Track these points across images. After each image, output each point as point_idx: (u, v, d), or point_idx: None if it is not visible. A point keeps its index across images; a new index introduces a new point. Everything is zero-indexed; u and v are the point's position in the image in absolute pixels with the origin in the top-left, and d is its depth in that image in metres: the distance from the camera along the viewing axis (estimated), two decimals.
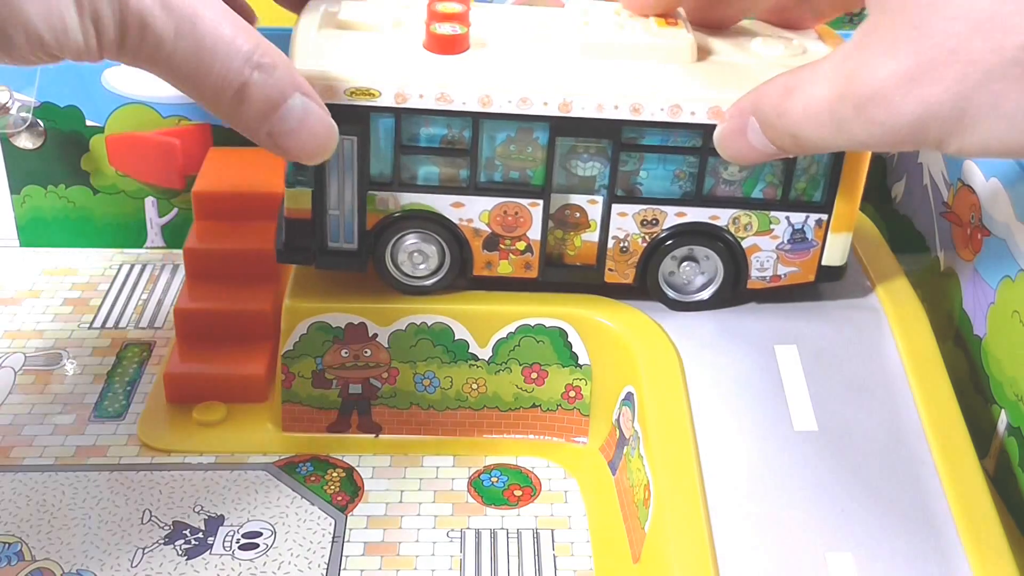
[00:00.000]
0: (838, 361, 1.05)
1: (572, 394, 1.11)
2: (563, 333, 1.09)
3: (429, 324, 1.08)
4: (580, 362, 1.10)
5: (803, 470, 0.95)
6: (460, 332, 1.09)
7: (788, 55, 1.04)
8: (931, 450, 0.97)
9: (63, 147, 1.35)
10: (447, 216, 1.04)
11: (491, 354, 1.10)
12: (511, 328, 1.09)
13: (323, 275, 1.10)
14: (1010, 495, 1.07)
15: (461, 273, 1.07)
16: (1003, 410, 1.08)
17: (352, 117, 0.99)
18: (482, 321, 1.09)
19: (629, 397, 1.05)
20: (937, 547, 0.90)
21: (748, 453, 0.96)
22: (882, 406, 1.01)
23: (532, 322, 1.09)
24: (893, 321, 1.08)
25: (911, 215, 1.31)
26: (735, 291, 1.08)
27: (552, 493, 1.08)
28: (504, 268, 1.07)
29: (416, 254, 1.06)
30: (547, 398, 1.11)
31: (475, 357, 1.10)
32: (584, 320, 1.08)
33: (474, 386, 1.11)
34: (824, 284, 1.09)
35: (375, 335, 1.09)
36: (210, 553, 1.00)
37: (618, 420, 1.07)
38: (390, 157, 1.02)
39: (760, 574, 0.88)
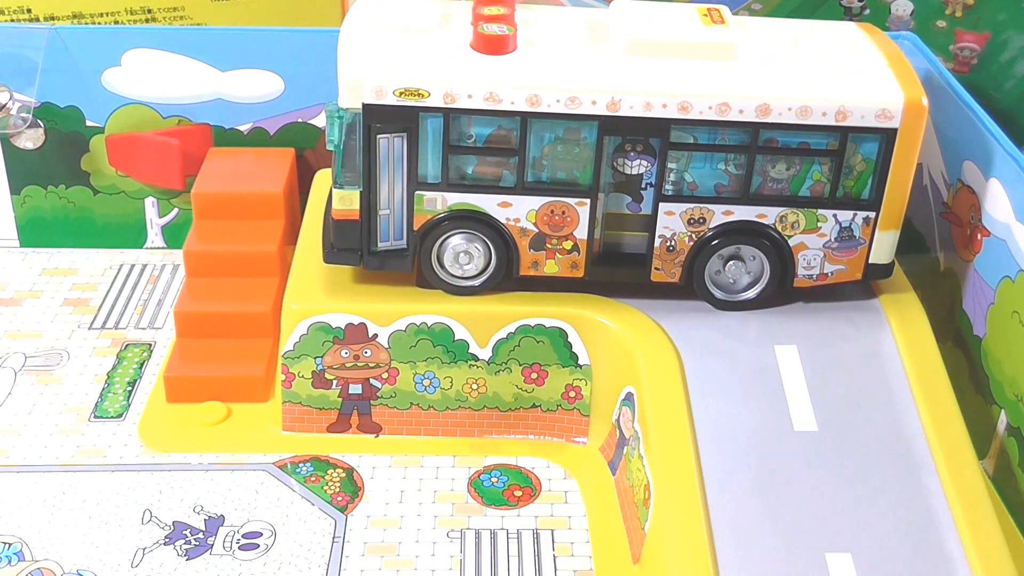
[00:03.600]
0: (838, 361, 1.05)
1: (572, 394, 1.11)
2: (563, 333, 1.09)
3: (429, 324, 1.08)
4: (580, 362, 1.10)
5: (803, 470, 0.95)
6: (460, 332, 1.09)
7: (833, 51, 1.04)
8: (931, 450, 0.97)
9: (63, 147, 1.35)
10: (494, 216, 1.05)
11: (491, 354, 1.10)
12: (511, 328, 1.09)
13: (323, 275, 1.11)
14: (1010, 495, 1.07)
15: (507, 273, 1.07)
16: (1003, 410, 1.08)
17: (401, 117, 1.00)
18: (482, 321, 1.09)
19: (629, 397, 1.05)
20: (937, 547, 0.90)
21: (748, 453, 0.96)
22: (882, 406, 1.01)
23: (532, 322, 1.09)
24: (893, 321, 1.08)
25: (911, 215, 1.31)
26: (782, 290, 1.08)
27: (552, 493, 1.08)
28: (551, 268, 1.07)
29: (462, 255, 1.06)
30: (547, 398, 1.11)
31: (475, 357, 1.10)
32: (584, 320, 1.08)
33: (474, 386, 1.11)
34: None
35: (375, 335, 1.09)
36: (210, 553, 1.00)
37: (618, 420, 1.07)
38: (439, 157, 1.02)
39: (760, 574, 0.88)
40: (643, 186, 1.05)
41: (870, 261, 1.08)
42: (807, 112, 1.00)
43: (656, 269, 1.08)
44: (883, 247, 1.07)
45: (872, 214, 1.05)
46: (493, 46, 1.02)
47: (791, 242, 1.06)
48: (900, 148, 1.03)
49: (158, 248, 1.41)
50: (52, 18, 1.39)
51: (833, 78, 1.03)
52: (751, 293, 1.09)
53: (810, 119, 1.01)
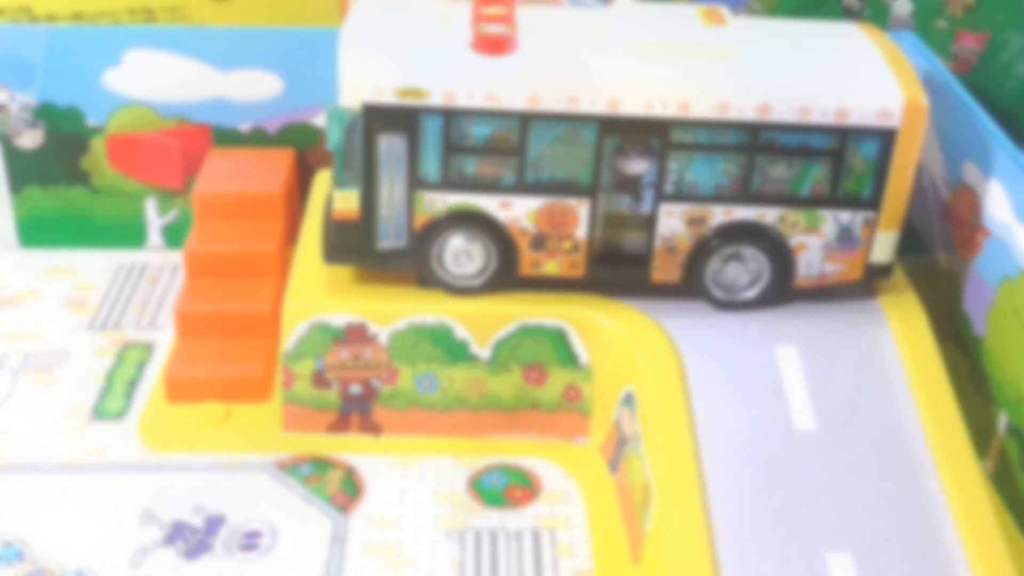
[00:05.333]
0: (838, 361, 1.05)
1: (572, 394, 1.11)
2: (563, 333, 1.09)
3: (429, 324, 1.08)
4: (580, 362, 1.10)
5: (803, 470, 0.95)
6: (460, 332, 1.09)
7: (833, 51, 1.04)
8: (931, 450, 0.97)
9: (63, 147, 1.35)
10: (494, 216, 1.05)
11: (491, 354, 1.10)
12: (511, 328, 1.09)
13: (323, 275, 1.11)
14: (1010, 495, 1.07)
15: (507, 273, 1.07)
16: (1003, 410, 1.08)
17: (401, 117, 1.00)
18: (482, 321, 1.09)
19: (629, 397, 1.05)
20: (937, 547, 0.90)
21: (748, 453, 0.96)
22: (882, 406, 1.01)
23: (532, 322, 1.09)
24: (893, 321, 1.08)
25: (910, 215, 1.31)
26: (782, 290, 1.08)
27: (552, 493, 1.08)
28: (550, 268, 1.07)
29: (463, 255, 1.06)
30: (547, 398, 1.11)
31: (475, 357, 1.10)
32: (584, 320, 1.08)
33: (474, 386, 1.11)
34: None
35: (375, 335, 1.09)
36: (210, 554, 1.00)
37: (618, 420, 1.07)
38: (439, 157, 1.02)
39: (760, 574, 0.88)
40: (643, 186, 1.05)
41: (870, 261, 1.08)
42: (807, 112, 1.01)
43: (656, 269, 1.08)
44: (883, 247, 1.07)
45: (872, 214, 1.06)
46: (493, 46, 1.02)
47: (791, 242, 1.06)
48: (900, 148, 1.03)
49: (158, 248, 1.41)
50: (52, 18, 1.39)
51: (833, 78, 1.03)
52: (751, 293, 1.09)
53: (810, 119, 1.01)
